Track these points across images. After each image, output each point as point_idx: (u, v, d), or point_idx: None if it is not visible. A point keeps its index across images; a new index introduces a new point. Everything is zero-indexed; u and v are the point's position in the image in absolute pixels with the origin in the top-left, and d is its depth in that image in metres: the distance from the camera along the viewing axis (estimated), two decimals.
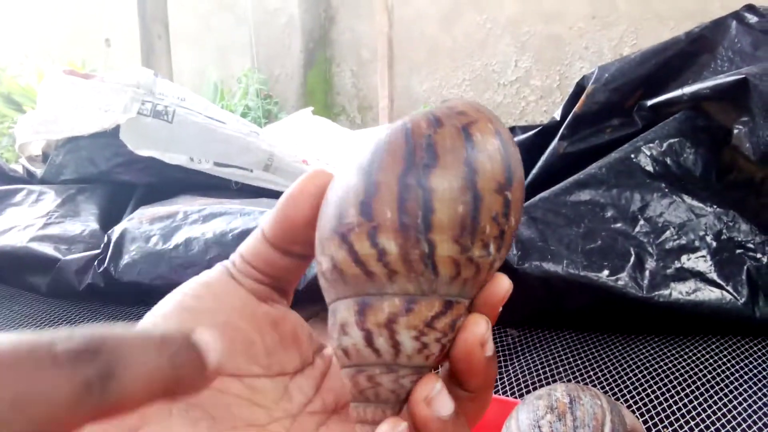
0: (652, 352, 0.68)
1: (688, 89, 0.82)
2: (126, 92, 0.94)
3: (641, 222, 0.74)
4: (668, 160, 0.79)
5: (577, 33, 2.28)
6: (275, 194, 0.99)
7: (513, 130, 1.07)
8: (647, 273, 0.70)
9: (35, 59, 3.68)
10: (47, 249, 0.77)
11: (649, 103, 0.87)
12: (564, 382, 0.62)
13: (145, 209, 0.81)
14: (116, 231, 0.77)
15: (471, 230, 0.19)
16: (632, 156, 0.79)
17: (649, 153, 0.80)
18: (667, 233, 0.74)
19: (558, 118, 0.95)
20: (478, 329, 0.19)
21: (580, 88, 0.94)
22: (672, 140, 0.80)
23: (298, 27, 2.74)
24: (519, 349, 0.70)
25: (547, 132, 0.95)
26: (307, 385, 0.22)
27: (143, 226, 0.76)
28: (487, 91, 2.52)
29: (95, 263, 0.75)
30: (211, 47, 3.07)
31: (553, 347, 0.70)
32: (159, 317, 0.20)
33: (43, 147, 1.04)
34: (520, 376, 0.64)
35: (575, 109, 0.92)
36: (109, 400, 0.13)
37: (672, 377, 0.62)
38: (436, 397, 0.19)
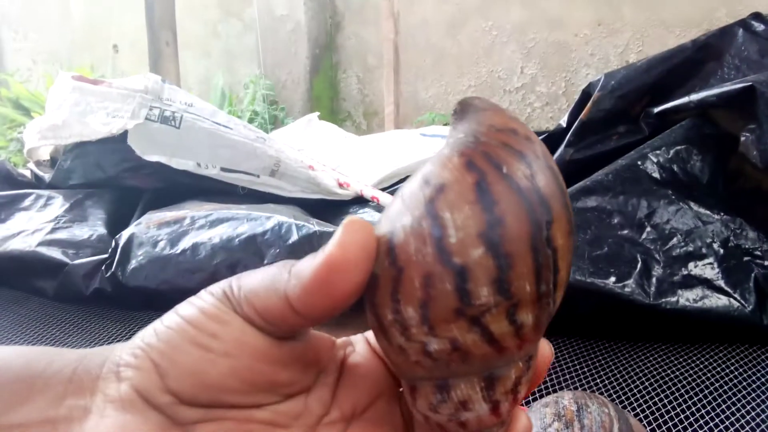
0: (659, 359, 0.68)
1: (694, 96, 0.82)
2: (134, 98, 0.94)
3: (648, 229, 0.74)
4: (675, 167, 0.79)
5: (582, 40, 2.29)
6: (282, 199, 1.00)
7: None
8: (654, 280, 0.70)
9: (43, 65, 3.71)
10: (55, 253, 0.78)
11: (656, 110, 0.87)
12: (571, 389, 0.62)
13: (152, 214, 0.81)
14: (124, 236, 0.77)
15: (568, 269, 0.19)
16: (639, 163, 0.79)
17: (655, 160, 0.79)
18: (674, 240, 0.73)
19: (564, 125, 0.95)
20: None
21: (586, 95, 0.94)
22: (679, 147, 0.80)
23: (305, 33, 2.75)
24: None
25: (553, 139, 0.95)
26: (324, 393, 0.22)
27: (150, 231, 0.76)
28: (492, 97, 2.52)
29: (102, 268, 0.75)
30: (219, 53, 3.09)
31: (559, 354, 0.69)
32: (166, 346, 0.19)
33: (51, 152, 1.05)
34: None
35: (581, 115, 0.92)
36: None
37: (679, 385, 0.62)
38: None
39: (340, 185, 1.11)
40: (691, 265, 0.71)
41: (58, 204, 0.87)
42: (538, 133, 1.02)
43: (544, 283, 0.17)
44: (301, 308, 0.19)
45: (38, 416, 0.18)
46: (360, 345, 0.23)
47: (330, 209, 1.03)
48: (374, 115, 2.83)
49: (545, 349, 0.20)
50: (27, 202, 0.88)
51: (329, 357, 0.22)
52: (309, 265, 0.18)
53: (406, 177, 1.15)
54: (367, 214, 1.01)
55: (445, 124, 2.42)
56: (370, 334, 0.23)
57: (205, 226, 0.77)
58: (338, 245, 0.18)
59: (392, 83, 2.11)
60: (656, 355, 0.68)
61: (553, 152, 0.93)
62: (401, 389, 0.22)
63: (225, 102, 2.87)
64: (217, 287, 0.20)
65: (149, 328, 0.20)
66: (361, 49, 2.80)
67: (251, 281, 0.20)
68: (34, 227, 0.82)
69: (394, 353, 0.19)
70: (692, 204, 0.76)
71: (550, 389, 0.62)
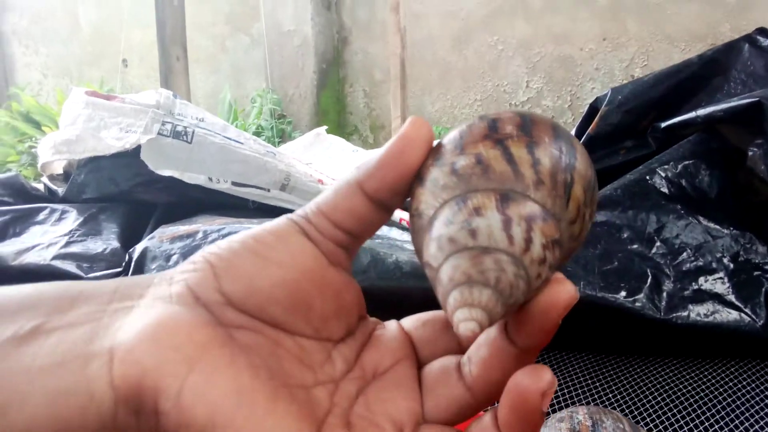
0: (671, 374, 0.68)
1: (701, 111, 0.83)
2: (146, 113, 0.95)
3: (657, 243, 0.74)
4: (683, 182, 0.80)
5: (588, 54, 2.30)
6: (292, 213, 1.00)
7: None
8: (665, 295, 0.70)
9: (53, 79, 3.75)
10: (70, 267, 0.78)
11: (663, 125, 0.88)
12: (584, 404, 0.62)
13: (165, 228, 0.82)
14: (137, 250, 0.78)
15: (590, 198, 0.21)
16: (647, 177, 0.80)
17: (664, 174, 0.80)
18: (684, 255, 0.74)
19: None
20: (569, 287, 0.20)
21: (593, 109, 0.95)
22: (687, 162, 0.81)
23: (312, 48, 2.78)
24: None
25: None
26: (349, 353, 0.23)
27: (164, 245, 0.77)
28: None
29: None
30: (226, 68, 3.12)
31: (570, 369, 0.70)
32: (226, 252, 0.21)
33: (64, 166, 1.06)
34: None
35: (589, 130, 0.93)
36: None
37: (692, 400, 0.62)
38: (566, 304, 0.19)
39: None
40: (701, 279, 0.72)
41: (72, 218, 0.88)
42: None
43: (562, 149, 0.21)
44: (373, 188, 0.21)
45: (84, 318, 0.19)
46: (391, 324, 0.24)
47: None
48: (381, 128, 2.85)
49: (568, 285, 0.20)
50: (41, 215, 0.89)
51: (362, 322, 0.24)
52: (382, 148, 0.21)
53: None
54: None
55: None
56: (403, 320, 0.25)
57: (218, 240, 0.77)
58: (411, 125, 0.21)
59: (399, 97, 2.13)
60: (668, 370, 0.69)
61: None
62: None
63: (231, 116, 2.89)
64: (284, 216, 0.22)
65: (211, 245, 0.21)
66: (368, 64, 2.83)
67: (321, 194, 0.22)
68: (48, 241, 0.83)
69: (426, 191, 0.21)
70: (701, 218, 0.77)
71: (563, 404, 0.63)
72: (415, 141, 0.21)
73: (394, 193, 0.21)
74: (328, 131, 1.70)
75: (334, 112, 2.92)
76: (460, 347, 0.23)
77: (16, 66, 3.95)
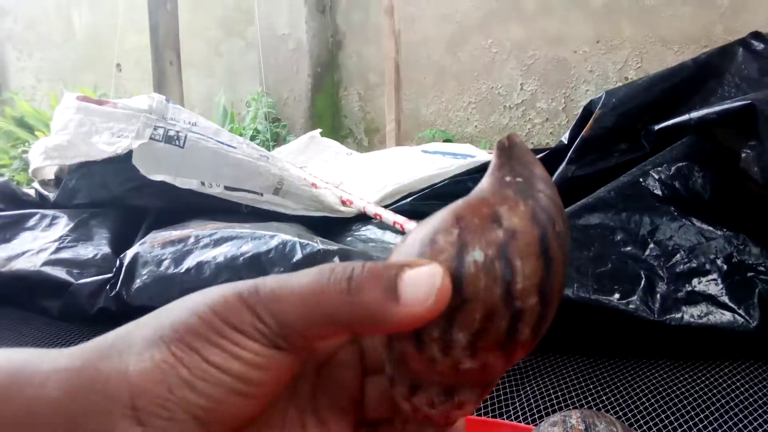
0: (664, 376, 0.67)
1: (695, 114, 0.83)
2: (138, 118, 0.95)
3: (651, 245, 0.74)
4: (677, 184, 0.79)
5: (581, 57, 2.31)
6: (285, 217, 1.00)
7: None
8: (658, 296, 0.70)
9: (47, 83, 3.74)
10: (60, 273, 0.78)
11: (657, 127, 0.88)
12: (576, 407, 0.62)
13: (156, 233, 0.81)
14: (128, 255, 0.77)
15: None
16: (641, 180, 0.79)
17: (657, 176, 0.80)
18: (678, 256, 0.74)
19: (566, 142, 0.96)
20: None
21: (587, 112, 0.95)
22: (680, 164, 0.81)
23: (306, 52, 2.78)
24: (530, 373, 0.69)
25: (554, 155, 0.95)
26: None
27: (155, 250, 0.77)
28: (493, 113, 2.54)
29: (107, 287, 0.75)
30: (221, 72, 3.12)
31: (564, 372, 0.69)
32: (212, 406, 0.19)
33: (56, 171, 1.05)
34: (532, 400, 0.63)
35: (583, 133, 0.92)
36: None
37: (685, 402, 0.62)
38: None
39: (344, 203, 1.11)
40: (695, 281, 0.71)
41: (63, 223, 0.87)
42: (540, 150, 1.03)
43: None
44: (361, 330, 0.19)
45: None
46: None
47: (333, 227, 1.04)
48: (375, 131, 2.85)
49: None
50: (32, 221, 0.88)
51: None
52: (387, 303, 0.18)
53: (409, 194, 1.15)
54: (369, 231, 1.02)
55: (446, 140, 2.44)
56: None
57: (210, 245, 0.77)
58: (437, 293, 0.18)
59: (394, 101, 2.13)
60: (661, 372, 0.68)
61: (554, 169, 0.93)
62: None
63: (227, 120, 2.89)
64: (246, 322, 0.18)
65: (178, 374, 0.18)
66: (363, 67, 2.83)
67: (294, 310, 0.18)
68: (38, 247, 0.82)
69: (418, 361, 0.20)
70: (695, 220, 0.77)
71: (556, 407, 0.62)
72: (421, 321, 0.19)
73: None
74: (323, 134, 1.69)
75: (329, 115, 2.92)
76: None
77: (10, 71, 3.94)
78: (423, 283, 0.18)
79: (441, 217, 0.20)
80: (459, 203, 0.20)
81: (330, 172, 1.37)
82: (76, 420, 0.18)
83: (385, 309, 0.18)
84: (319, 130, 1.70)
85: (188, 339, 0.18)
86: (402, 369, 0.21)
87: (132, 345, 0.18)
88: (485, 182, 0.21)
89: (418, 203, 1.06)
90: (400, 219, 1.01)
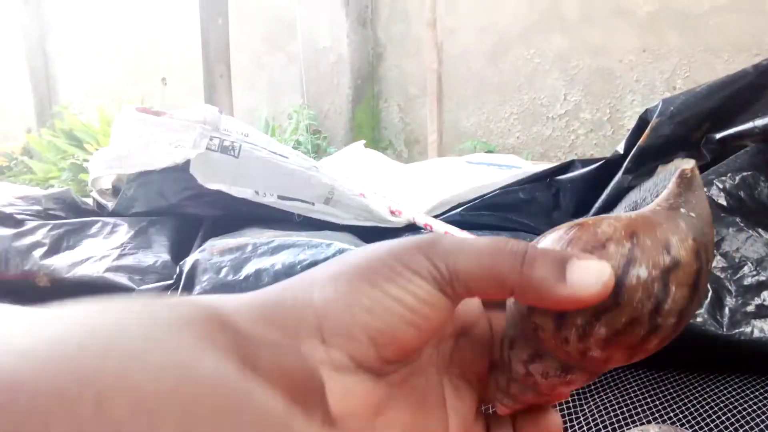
0: (733, 392, 0.65)
1: (759, 122, 0.81)
2: (195, 128, 0.97)
3: (717, 257, 0.72)
4: (742, 194, 0.77)
5: (627, 66, 2.27)
6: (336, 227, 1.00)
7: (573, 163, 1.06)
8: (726, 310, 0.68)
9: (95, 98, 3.86)
10: (122, 279, 0.80)
11: (718, 136, 0.85)
12: (643, 422, 0.60)
13: (214, 241, 0.83)
14: (188, 262, 0.79)
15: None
16: (704, 189, 0.77)
17: (721, 186, 0.78)
18: (745, 269, 0.71)
19: (621, 152, 0.94)
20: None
21: (643, 121, 0.93)
22: (745, 173, 0.78)
23: (347, 64, 2.81)
24: (593, 388, 0.68)
25: (610, 165, 0.94)
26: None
27: (214, 258, 0.78)
28: (535, 125, 2.52)
29: (168, 293, 0.77)
30: (263, 85, 3.17)
31: (627, 386, 0.67)
32: (388, 330, 0.21)
33: (113, 181, 1.08)
34: (597, 415, 0.62)
35: (639, 142, 0.91)
36: None
37: (758, 419, 0.60)
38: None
39: (392, 213, 1.11)
40: (764, 294, 0.69)
41: (124, 231, 0.89)
42: (594, 160, 1.01)
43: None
44: (521, 297, 0.22)
45: None
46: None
47: (383, 237, 1.04)
48: (415, 143, 2.85)
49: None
50: (94, 229, 0.91)
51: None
52: (555, 282, 0.21)
53: (458, 205, 1.15)
54: None
55: (488, 151, 2.42)
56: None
57: (267, 252, 0.78)
58: (602, 286, 0.21)
59: (435, 112, 2.13)
60: (730, 389, 0.66)
61: (610, 179, 0.92)
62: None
63: (269, 132, 2.93)
64: (422, 266, 0.21)
65: (360, 302, 0.21)
66: (403, 79, 2.84)
67: (466, 264, 0.21)
68: (101, 254, 0.84)
69: (552, 337, 0.22)
70: (762, 231, 0.74)
71: (622, 422, 0.61)
72: (584, 303, 0.21)
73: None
74: (364, 145, 1.70)
75: (369, 127, 2.94)
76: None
77: (60, 86, 4.08)
78: (592, 273, 0.21)
79: (613, 226, 0.22)
80: (635, 219, 0.22)
81: (376, 182, 1.37)
82: (267, 338, 0.20)
83: (552, 285, 0.20)
84: (363, 142, 1.71)
85: (369, 275, 0.21)
86: (532, 338, 0.23)
87: (315, 281, 0.21)
88: (662, 205, 0.23)
89: (469, 213, 1.06)
90: (451, 229, 1.00)
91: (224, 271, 0.76)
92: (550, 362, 0.23)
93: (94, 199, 1.10)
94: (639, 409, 0.63)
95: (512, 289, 0.21)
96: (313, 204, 1.02)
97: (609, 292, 0.21)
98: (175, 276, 0.79)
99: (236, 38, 2.94)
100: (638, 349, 0.22)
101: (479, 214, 1.06)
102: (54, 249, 0.86)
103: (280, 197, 0.99)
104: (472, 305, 0.26)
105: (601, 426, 0.60)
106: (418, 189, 1.28)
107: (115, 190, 1.07)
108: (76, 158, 3.02)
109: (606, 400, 0.65)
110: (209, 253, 0.78)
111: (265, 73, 3.17)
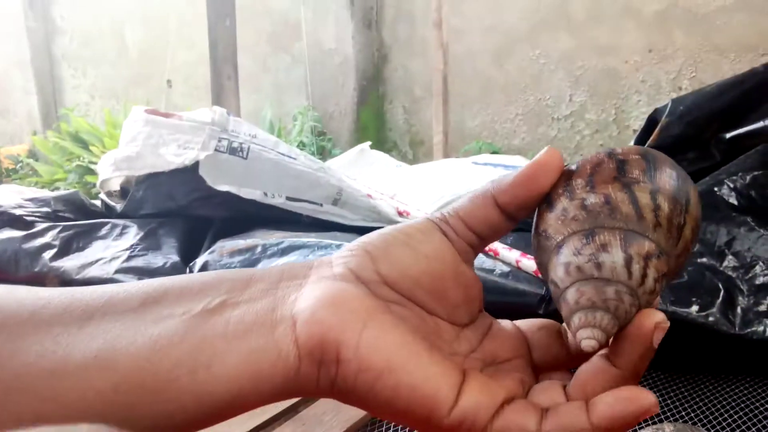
0: (746, 392, 0.65)
1: None
2: (204, 130, 0.97)
3: (729, 257, 0.72)
4: (753, 193, 0.77)
5: (633, 66, 2.27)
6: (345, 228, 1.00)
7: None
8: (739, 309, 0.67)
9: (100, 100, 3.87)
10: (132, 281, 0.80)
11: (728, 135, 0.85)
12: (656, 422, 0.60)
13: (224, 242, 0.83)
14: (198, 264, 0.79)
15: (696, 235, 0.25)
16: (715, 189, 0.77)
17: (732, 186, 0.77)
18: (757, 268, 0.71)
19: None
20: (657, 317, 0.22)
21: (652, 121, 0.93)
22: (756, 173, 0.78)
23: (352, 66, 2.81)
24: None
25: None
26: (473, 337, 0.26)
27: (224, 259, 0.78)
28: (540, 125, 2.51)
29: None
30: (268, 87, 3.17)
31: (642, 386, 0.67)
32: (381, 242, 0.25)
33: (122, 182, 1.08)
34: None
35: (649, 141, 0.90)
36: None
37: None
38: (658, 328, 0.22)
39: (400, 213, 1.11)
40: None
41: (133, 233, 0.89)
42: None
43: (680, 195, 0.24)
44: (505, 202, 0.25)
45: (260, 294, 0.23)
46: (506, 322, 0.28)
47: None
48: (420, 144, 2.85)
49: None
50: (104, 231, 0.91)
51: (480, 314, 0.27)
52: (517, 169, 0.25)
53: None
54: None
55: (493, 152, 2.42)
56: (518, 322, 0.28)
57: (277, 253, 0.78)
58: (546, 154, 0.25)
59: (441, 113, 2.13)
60: (743, 389, 0.66)
61: None
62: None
63: (273, 133, 2.93)
64: (422, 217, 0.26)
65: (362, 237, 0.25)
66: (408, 81, 2.84)
67: (458, 202, 0.26)
68: (111, 255, 0.85)
69: (555, 217, 0.24)
70: None
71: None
72: (547, 168, 0.25)
73: (522, 208, 0.25)
74: (369, 146, 1.70)
75: (374, 128, 2.94)
76: (569, 357, 0.26)
77: (65, 88, 4.09)
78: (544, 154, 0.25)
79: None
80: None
81: (382, 184, 1.37)
82: (284, 274, 0.24)
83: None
84: (369, 143, 1.71)
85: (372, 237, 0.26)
86: (547, 233, 0.25)
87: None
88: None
89: None
90: None
91: None
92: (571, 242, 0.24)
93: (102, 200, 1.10)
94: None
95: (493, 195, 0.25)
96: (321, 205, 1.02)
97: (562, 160, 0.25)
98: None
99: (241, 40, 2.95)
100: (622, 178, 0.24)
101: None
102: (64, 251, 0.86)
103: (289, 198, 0.99)
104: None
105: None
106: (425, 190, 1.27)
107: (124, 192, 1.07)
108: (82, 160, 3.03)
109: None
110: (219, 254, 0.78)
111: (270, 75, 3.18)
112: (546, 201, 0.25)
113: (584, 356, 0.25)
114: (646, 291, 0.23)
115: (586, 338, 0.23)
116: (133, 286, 0.23)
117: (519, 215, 0.25)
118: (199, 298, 0.23)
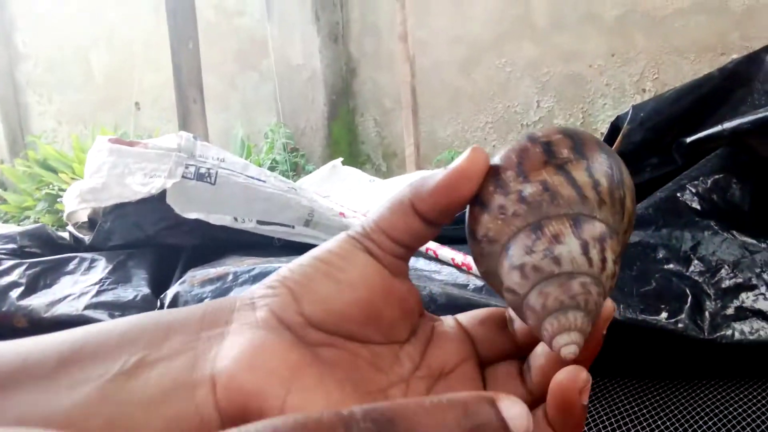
0: (719, 397, 0.66)
1: (728, 124, 0.82)
2: (170, 157, 0.96)
3: (695, 261, 0.73)
4: (715, 197, 0.78)
5: (597, 71, 2.30)
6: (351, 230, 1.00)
7: None
8: (707, 314, 0.69)
9: (68, 125, 3.81)
10: (101, 316, 0.78)
11: (689, 140, 0.87)
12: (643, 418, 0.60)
13: (194, 272, 0.82)
14: (168, 295, 0.78)
15: (635, 206, 0.24)
16: (678, 194, 0.79)
17: (694, 190, 0.79)
18: (723, 272, 0.72)
19: None
20: (582, 376, 0.21)
21: (614, 128, 0.95)
22: (717, 176, 0.80)
23: (321, 81, 2.81)
24: None
25: None
26: (414, 352, 0.25)
27: (195, 289, 0.77)
28: (510, 132, 2.54)
29: None
30: (237, 105, 3.16)
31: (615, 396, 0.68)
32: (300, 276, 0.23)
33: (89, 214, 1.06)
34: (586, 428, 0.62)
35: (613, 149, 0.92)
36: None
37: (744, 423, 0.60)
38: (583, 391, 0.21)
39: None
40: (742, 296, 0.70)
41: (101, 266, 0.88)
42: None
43: (614, 168, 0.22)
44: (425, 210, 0.23)
45: (180, 347, 0.22)
46: (449, 320, 0.27)
47: None
48: (393, 156, 2.86)
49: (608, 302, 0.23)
50: (71, 265, 0.89)
51: (421, 319, 0.26)
52: (437, 175, 0.23)
53: None
54: None
55: None
56: (459, 316, 0.27)
57: (249, 281, 0.77)
58: (467, 159, 0.23)
59: (412, 124, 2.14)
60: (716, 393, 0.67)
61: None
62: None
63: (244, 152, 2.92)
64: (343, 233, 0.24)
65: (283, 268, 0.24)
66: (377, 93, 2.85)
67: (375, 210, 0.24)
68: (79, 291, 0.83)
69: (494, 218, 0.23)
70: (736, 233, 0.75)
71: None
72: (469, 174, 0.23)
73: (445, 216, 0.24)
74: (342, 162, 1.70)
75: (346, 142, 2.94)
76: (517, 348, 0.26)
77: (31, 115, 4.02)
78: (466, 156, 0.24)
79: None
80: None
81: (354, 200, 1.37)
82: (204, 321, 0.23)
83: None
84: (341, 159, 1.71)
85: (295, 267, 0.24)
86: (490, 236, 0.23)
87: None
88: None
89: (448, 228, 1.06)
90: (432, 245, 1.01)
91: (206, 302, 0.75)
92: (519, 241, 0.22)
93: (70, 233, 1.08)
94: (628, 419, 0.63)
95: (411, 203, 0.23)
96: (293, 227, 1.02)
97: (488, 162, 0.23)
98: (156, 310, 0.78)
99: (208, 60, 2.93)
100: (553, 160, 0.23)
101: (456, 227, 1.07)
102: (31, 288, 0.84)
103: (260, 222, 0.98)
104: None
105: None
106: None
107: (92, 224, 1.05)
108: (51, 188, 2.98)
109: (593, 411, 0.65)
110: (189, 284, 0.77)
111: (238, 93, 3.16)
112: (478, 202, 0.23)
113: (531, 345, 0.24)
114: (609, 276, 0.22)
115: (564, 345, 0.21)
116: (50, 342, 0.22)
117: (442, 222, 0.24)
118: (115, 356, 0.21)
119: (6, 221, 3.03)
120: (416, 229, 0.24)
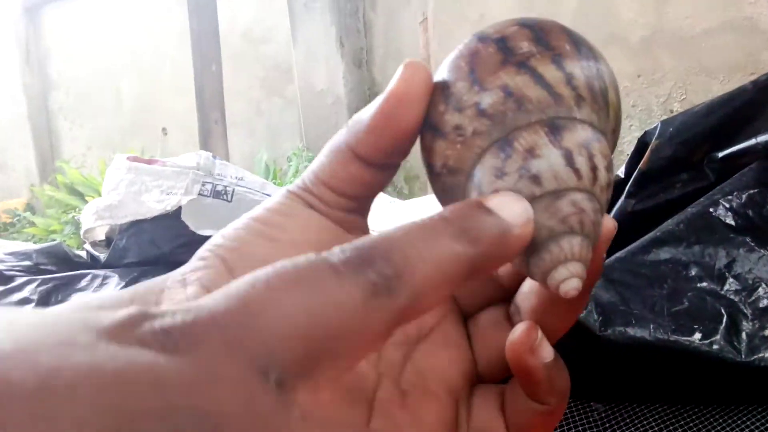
0: (758, 424, 0.61)
1: (762, 138, 0.79)
2: (187, 174, 0.96)
3: (730, 280, 0.69)
4: (750, 212, 0.74)
5: (623, 92, 2.27)
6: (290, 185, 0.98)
7: None
8: (744, 335, 0.64)
9: (97, 150, 3.89)
10: None
11: (721, 154, 0.83)
12: None
13: None
14: None
15: (619, 99, 0.19)
16: (711, 210, 0.75)
17: (728, 206, 0.75)
18: (760, 291, 0.68)
19: (622, 176, 0.92)
20: (607, 221, 0.18)
21: (642, 144, 0.91)
22: (752, 191, 0.76)
23: (345, 105, 2.82)
24: (607, 425, 0.64)
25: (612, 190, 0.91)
26: None
27: None
28: None
29: None
30: (262, 131, 3.19)
31: (645, 422, 0.64)
32: (234, 242, 0.19)
33: (106, 232, 1.06)
34: None
35: (640, 165, 0.88)
36: (401, 301, 0.13)
37: None
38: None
39: None
40: None
41: (114, 283, 0.87)
42: None
43: (585, 52, 0.18)
44: (367, 152, 0.19)
45: None
46: None
47: None
48: (415, 179, 2.84)
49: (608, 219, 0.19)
50: (83, 282, 0.88)
51: None
52: (369, 106, 0.19)
53: None
54: None
55: None
56: None
57: None
58: (401, 80, 0.18)
59: None
60: (755, 420, 0.62)
61: (612, 204, 0.89)
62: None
63: (270, 176, 2.93)
64: (283, 188, 0.21)
65: (216, 235, 0.20)
66: None
67: (316, 160, 0.20)
68: None
69: (450, 142, 0.18)
70: None
71: None
72: (409, 96, 0.18)
73: (392, 154, 0.19)
74: None
75: None
76: (503, 291, 0.22)
77: (63, 140, 4.12)
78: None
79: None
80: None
81: (374, 221, 1.35)
82: (138, 291, 0.20)
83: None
84: None
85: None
86: (452, 165, 0.19)
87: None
88: None
89: None
90: None
91: None
92: (486, 162, 0.18)
93: (87, 251, 1.08)
94: None
95: (349, 146, 0.19)
96: None
97: (431, 80, 0.19)
98: None
99: (234, 86, 2.97)
100: (511, 58, 0.18)
101: None
102: (42, 304, 0.83)
103: None
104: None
105: None
106: None
107: (109, 241, 1.05)
108: (78, 212, 3.03)
109: None
110: None
111: (263, 119, 3.19)
112: (428, 128, 0.19)
113: (519, 284, 0.21)
114: (603, 187, 0.17)
115: (564, 280, 0.17)
116: None
117: (391, 162, 0.20)
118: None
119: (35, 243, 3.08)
120: (361, 176, 0.20)
